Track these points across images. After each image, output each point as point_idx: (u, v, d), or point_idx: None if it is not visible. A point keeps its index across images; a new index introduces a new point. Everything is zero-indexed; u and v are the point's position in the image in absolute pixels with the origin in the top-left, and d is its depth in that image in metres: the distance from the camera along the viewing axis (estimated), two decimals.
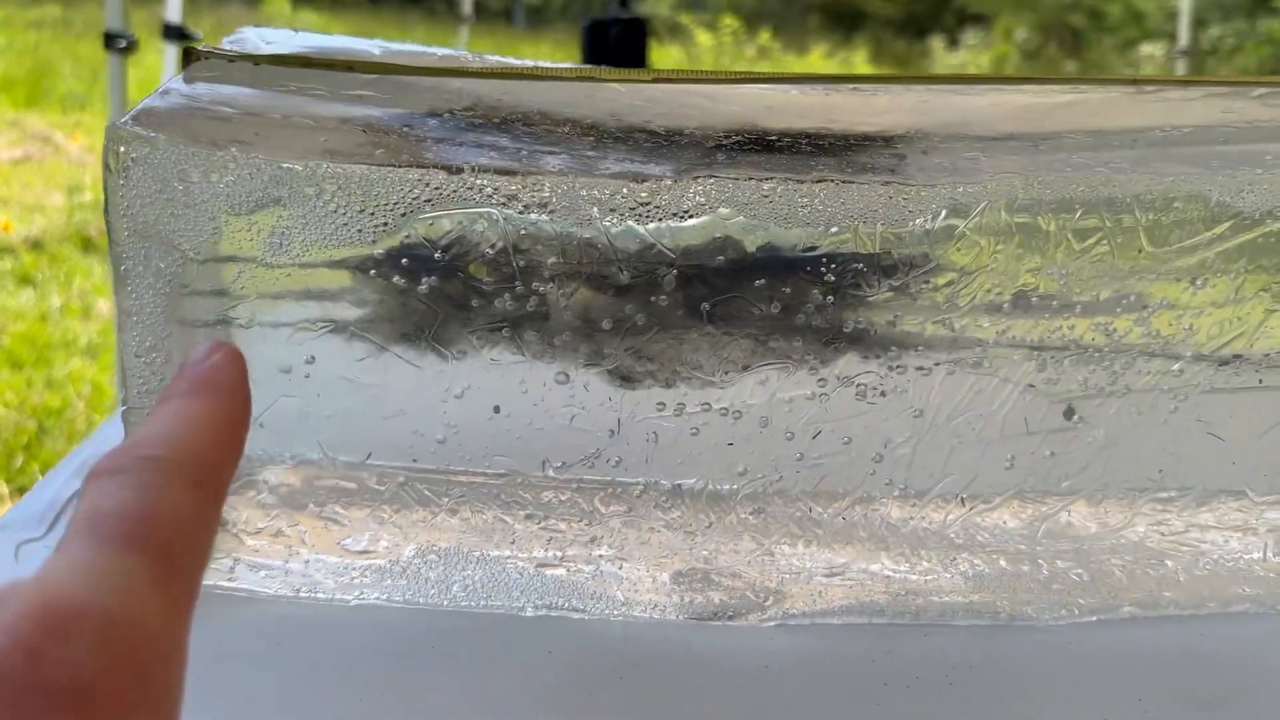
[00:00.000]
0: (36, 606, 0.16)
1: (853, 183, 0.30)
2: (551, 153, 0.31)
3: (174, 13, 1.58)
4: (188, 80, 0.33)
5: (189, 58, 0.33)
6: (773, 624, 0.34)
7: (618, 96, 0.36)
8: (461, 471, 0.35)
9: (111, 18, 1.46)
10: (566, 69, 0.35)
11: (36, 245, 2.69)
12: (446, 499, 0.35)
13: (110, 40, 1.43)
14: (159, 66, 2.41)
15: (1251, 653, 0.33)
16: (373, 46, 0.38)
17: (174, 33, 1.56)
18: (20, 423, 1.82)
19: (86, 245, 2.74)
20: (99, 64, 4.16)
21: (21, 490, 1.64)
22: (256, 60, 0.33)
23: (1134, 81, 0.36)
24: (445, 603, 0.34)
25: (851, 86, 0.37)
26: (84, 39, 4.57)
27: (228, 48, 0.35)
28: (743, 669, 0.32)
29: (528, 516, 0.35)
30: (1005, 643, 0.34)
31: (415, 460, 0.35)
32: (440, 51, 0.39)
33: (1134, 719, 0.30)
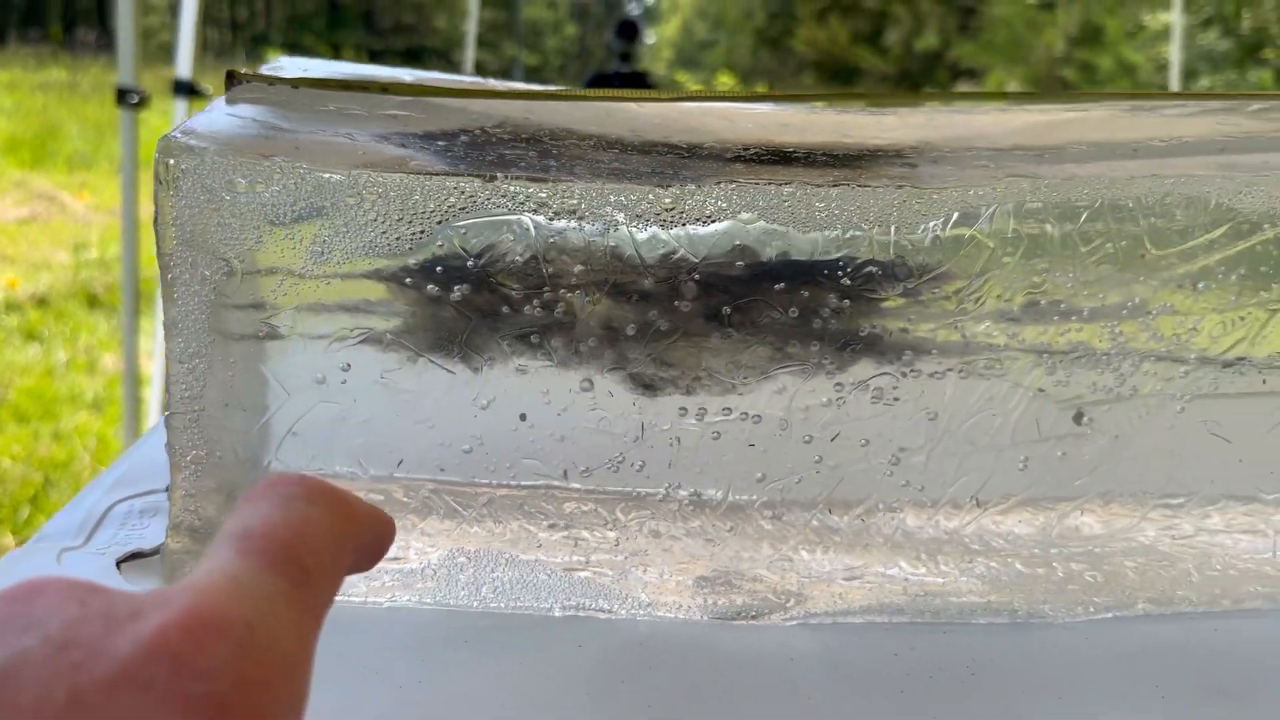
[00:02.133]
0: (184, 613, 0.17)
1: (868, 186, 0.32)
2: (579, 163, 0.33)
3: (184, 69, 1.61)
4: (230, 102, 0.34)
5: (231, 80, 0.35)
6: (794, 623, 0.35)
7: (637, 116, 0.38)
8: (488, 483, 0.36)
9: (123, 74, 1.49)
10: (589, 91, 0.37)
11: (42, 302, 2.72)
12: (473, 507, 0.36)
13: (122, 96, 1.46)
14: (165, 125, 2.45)
15: (1269, 646, 0.34)
16: (404, 74, 0.40)
17: (184, 89, 1.59)
18: (26, 475, 1.82)
19: (92, 302, 2.76)
20: (104, 124, 4.23)
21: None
22: (296, 83, 0.35)
23: (1131, 96, 0.38)
24: (475, 604, 0.35)
25: (862, 108, 0.39)
26: (90, 101, 4.64)
27: (268, 73, 0.36)
28: (768, 662, 0.32)
29: (551, 525, 0.36)
30: (1024, 638, 0.34)
31: (443, 470, 0.36)
32: (467, 79, 0.40)
33: (1156, 708, 0.31)
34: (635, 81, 1.97)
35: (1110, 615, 0.36)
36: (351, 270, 0.32)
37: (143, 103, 1.46)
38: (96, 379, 2.31)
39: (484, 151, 0.33)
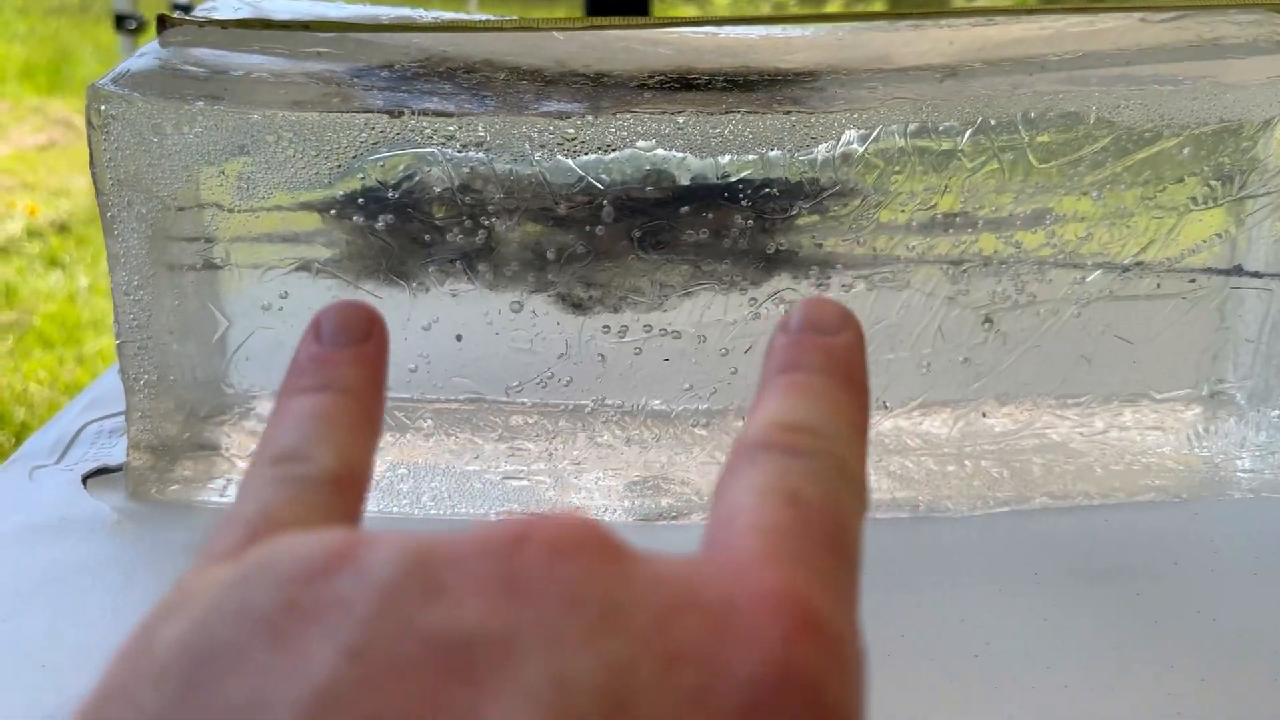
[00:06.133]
0: (798, 617, 0.14)
1: (757, 113, 0.33)
2: (489, 96, 0.34)
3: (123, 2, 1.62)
4: (163, 44, 0.36)
5: (163, 24, 0.37)
6: None
7: (562, 44, 0.39)
8: (432, 399, 0.39)
9: (121, 1, 1.50)
10: (508, 21, 0.38)
11: (63, 228, 2.75)
12: (420, 422, 0.39)
13: (120, 22, 1.47)
14: None
15: (1144, 537, 0.36)
16: (333, 9, 0.41)
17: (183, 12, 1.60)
18: (53, 399, 1.88)
19: None
20: (117, 49, 4.23)
21: None
22: (224, 24, 0.37)
23: (1031, 12, 0.39)
24: (416, 512, 0.38)
25: (781, 28, 0.40)
26: (102, 24, 4.62)
27: (200, 15, 0.38)
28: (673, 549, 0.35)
29: (496, 438, 0.39)
30: (918, 531, 0.37)
31: (390, 388, 0.39)
32: (396, 11, 0.42)
33: (1024, 591, 0.33)
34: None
35: (1008, 509, 0.38)
36: (279, 204, 0.34)
37: (141, 28, 1.47)
38: None
39: (400, 86, 0.35)
